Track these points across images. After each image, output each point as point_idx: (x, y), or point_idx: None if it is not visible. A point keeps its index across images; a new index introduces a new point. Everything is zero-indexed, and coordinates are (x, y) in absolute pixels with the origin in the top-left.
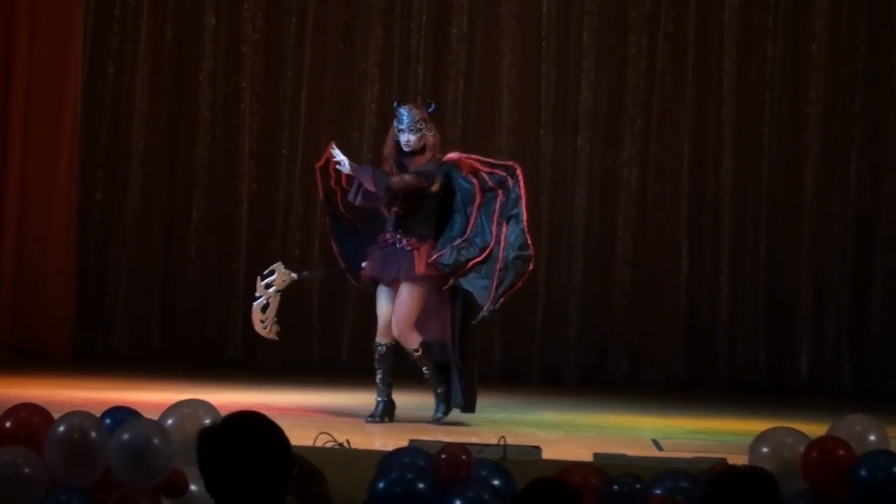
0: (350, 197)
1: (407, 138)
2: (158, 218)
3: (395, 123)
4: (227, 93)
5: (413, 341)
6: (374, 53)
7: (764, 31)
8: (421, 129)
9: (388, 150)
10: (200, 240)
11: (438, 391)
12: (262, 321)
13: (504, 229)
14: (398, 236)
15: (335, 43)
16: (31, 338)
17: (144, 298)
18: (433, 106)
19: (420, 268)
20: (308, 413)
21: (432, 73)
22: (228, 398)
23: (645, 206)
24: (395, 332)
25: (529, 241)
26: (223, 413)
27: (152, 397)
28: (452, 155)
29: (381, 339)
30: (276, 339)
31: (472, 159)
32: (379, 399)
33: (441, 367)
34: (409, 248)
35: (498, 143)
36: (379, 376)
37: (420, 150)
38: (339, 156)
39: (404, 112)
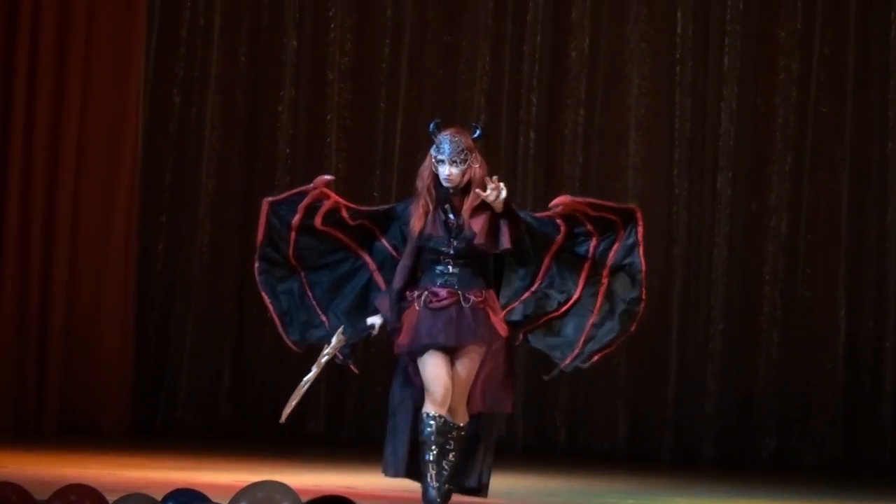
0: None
1: (448, 171)
2: (230, 271)
3: (432, 152)
4: (310, 126)
5: (465, 415)
6: (479, 80)
7: None
8: (466, 161)
9: (423, 182)
10: None
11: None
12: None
13: (606, 281)
14: (459, 292)
15: (435, 68)
16: (83, 409)
17: (213, 364)
18: (479, 131)
19: (503, 328)
20: (402, 497)
21: (547, 103)
22: (309, 479)
23: (796, 257)
24: (454, 405)
25: (644, 296)
26: (304, 498)
27: (221, 478)
28: (561, 199)
29: (437, 409)
30: (282, 421)
31: (584, 203)
32: (435, 485)
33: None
34: (481, 305)
35: (624, 183)
36: (433, 455)
37: (465, 187)
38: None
39: (445, 140)
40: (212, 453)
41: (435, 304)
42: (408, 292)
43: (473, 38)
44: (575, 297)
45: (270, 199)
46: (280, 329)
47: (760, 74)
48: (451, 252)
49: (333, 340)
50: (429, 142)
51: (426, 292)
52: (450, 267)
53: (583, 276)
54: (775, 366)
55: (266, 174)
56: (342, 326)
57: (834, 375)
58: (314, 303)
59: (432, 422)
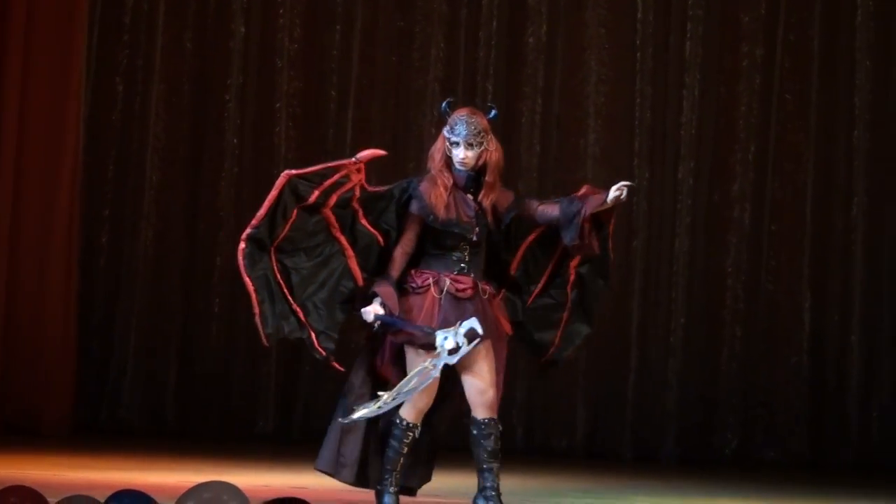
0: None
1: (463, 154)
2: (176, 265)
3: (445, 133)
4: (258, 115)
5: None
6: (434, 67)
7: None
8: (482, 143)
9: (435, 165)
10: (226, 291)
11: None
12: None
13: (574, 272)
14: (477, 282)
15: (388, 55)
16: (24, 407)
17: (158, 361)
18: (494, 111)
19: (507, 325)
20: (354, 498)
21: (504, 91)
22: (258, 479)
23: (759, 249)
24: (490, 402)
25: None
26: (253, 499)
27: (167, 479)
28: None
29: (417, 418)
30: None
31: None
32: (393, 490)
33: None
34: (493, 298)
35: (583, 173)
36: (399, 464)
37: (481, 170)
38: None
39: (460, 121)
40: (157, 453)
41: (460, 293)
42: (416, 277)
43: (427, 23)
44: (540, 286)
45: (292, 172)
46: (258, 320)
47: (723, 61)
48: (474, 239)
49: (457, 338)
50: (371, 135)
51: (447, 279)
52: (466, 254)
53: (550, 265)
54: (738, 361)
55: (213, 165)
56: (470, 322)
57: (798, 371)
58: (286, 291)
59: (410, 433)
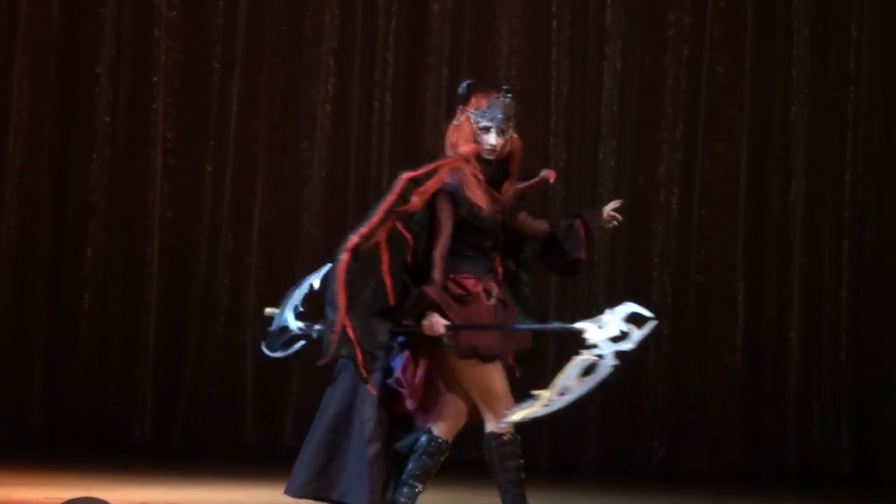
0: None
1: (495, 141)
2: (41, 256)
3: (475, 117)
4: (133, 91)
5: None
6: (328, 38)
7: (847, 5)
8: (509, 129)
9: (464, 153)
10: (97, 286)
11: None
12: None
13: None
14: (500, 286)
15: (277, 24)
16: None
17: (21, 363)
18: (510, 95)
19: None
20: None
21: (405, 64)
22: (134, 495)
23: (689, 237)
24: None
25: None
26: None
27: (31, 495)
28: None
29: (447, 436)
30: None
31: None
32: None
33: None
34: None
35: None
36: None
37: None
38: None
39: (495, 103)
40: (21, 466)
41: (499, 301)
42: (463, 282)
43: None
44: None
45: (409, 174)
46: (334, 337)
47: (648, 30)
48: (497, 236)
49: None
50: (258, 112)
51: (492, 284)
52: (490, 253)
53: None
54: (666, 360)
55: (83, 146)
56: (628, 307)
57: (732, 371)
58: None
59: (446, 452)
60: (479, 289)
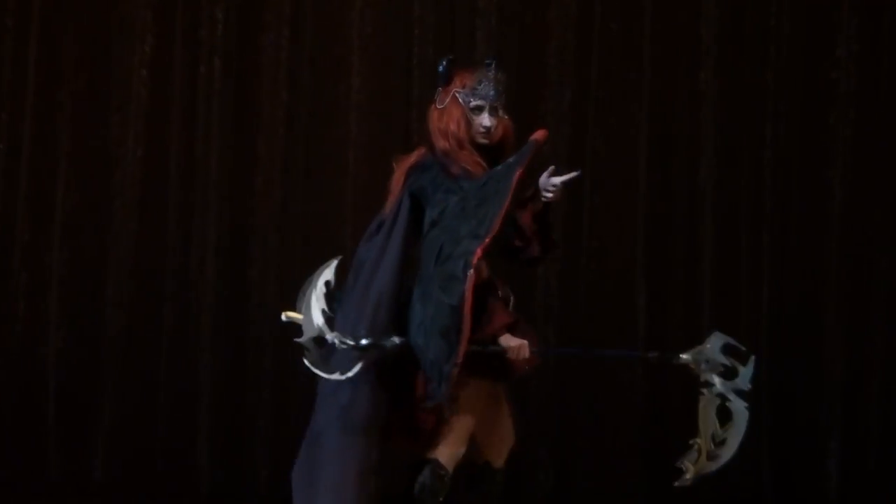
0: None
1: (489, 122)
2: None
3: (462, 97)
4: None
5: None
6: None
7: None
8: (500, 107)
9: (460, 138)
10: None
11: None
12: None
13: None
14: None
15: None
16: None
17: None
18: (498, 67)
19: None
20: None
21: (237, 21)
22: None
23: (579, 225)
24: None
25: None
26: None
27: None
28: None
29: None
30: None
31: None
32: None
33: None
34: None
35: (344, 128)
36: None
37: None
38: None
39: (486, 79)
40: None
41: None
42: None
43: None
44: None
45: (520, 171)
46: (459, 360)
47: None
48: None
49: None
50: (60, 79)
51: (504, 289)
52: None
53: None
54: (551, 374)
55: None
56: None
57: (632, 386)
58: None
59: (448, 484)
60: (508, 292)
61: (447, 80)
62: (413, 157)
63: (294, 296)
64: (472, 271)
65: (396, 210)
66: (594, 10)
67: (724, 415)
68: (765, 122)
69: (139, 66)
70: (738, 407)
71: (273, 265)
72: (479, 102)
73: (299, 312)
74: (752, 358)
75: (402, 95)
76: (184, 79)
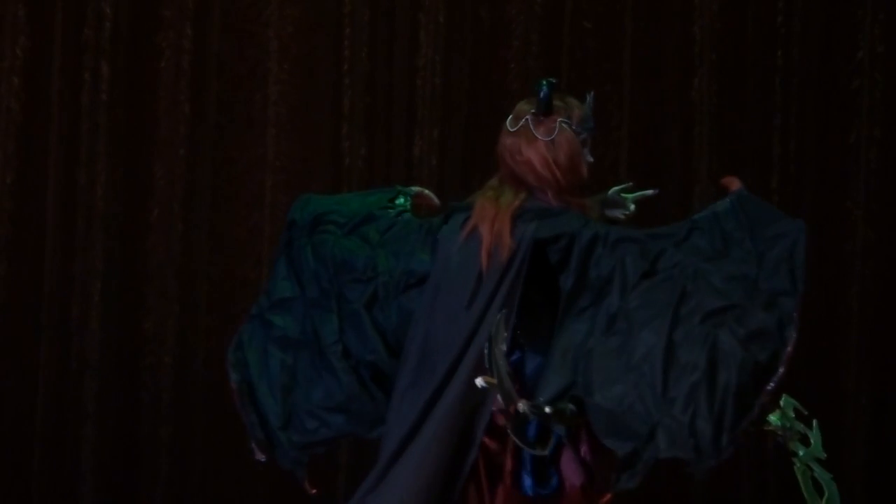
0: None
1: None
2: None
3: (579, 127)
4: None
5: None
6: None
7: None
8: None
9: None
10: None
11: None
12: None
13: None
14: None
15: None
16: None
17: None
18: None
19: None
20: None
21: (129, 18)
22: None
23: None
24: None
25: None
26: None
27: None
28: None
29: None
30: None
31: None
32: None
33: None
34: None
35: (260, 150)
36: None
37: None
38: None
39: (587, 106)
40: None
41: None
42: None
43: None
44: None
45: None
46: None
47: None
48: None
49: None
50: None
51: None
52: None
53: None
54: None
55: None
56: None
57: None
58: None
59: None
60: None
61: (549, 108)
62: (516, 202)
63: (197, 352)
64: (794, 334)
65: (508, 265)
66: (564, 3)
67: (816, 486)
68: (771, 142)
69: (9, 74)
70: (825, 478)
71: (172, 316)
72: (587, 136)
73: (492, 377)
74: (815, 422)
75: (331, 108)
76: (64, 88)
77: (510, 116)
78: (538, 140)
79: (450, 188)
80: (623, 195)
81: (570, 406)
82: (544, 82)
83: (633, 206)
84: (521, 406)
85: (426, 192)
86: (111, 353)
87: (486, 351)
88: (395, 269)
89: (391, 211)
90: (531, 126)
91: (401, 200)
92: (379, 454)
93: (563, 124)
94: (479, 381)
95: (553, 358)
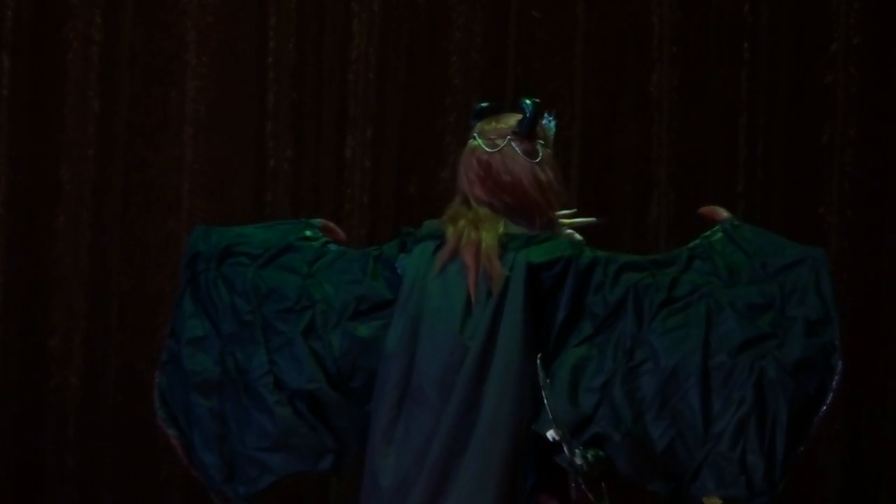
0: None
1: None
2: None
3: (548, 148)
4: None
5: None
6: None
7: None
8: None
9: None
10: None
11: None
12: None
13: None
14: None
15: None
16: None
17: None
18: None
19: None
20: None
21: (32, 6)
22: None
23: None
24: None
25: None
26: None
27: None
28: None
29: None
30: None
31: None
32: None
33: None
34: None
35: (177, 151)
36: None
37: None
38: None
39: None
40: None
41: None
42: None
43: None
44: None
45: None
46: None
47: None
48: None
49: None
50: None
51: None
52: None
53: None
54: None
55: None
56: None
57: None
58: None
59: None
60: None
61: (534, 127)
62: (500, 227)
63: (106, 373)
64: (840, 363)
65: (503, 293)
66: None
67: None
68: (737, 143)
69: None
70: None
71: (79, 333)
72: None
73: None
74: None
75: (255, 105)
76: None
77: (478, 135)
78: (527, 161)
79: (384, 192)
80: (561, 221)
81: (600, 452)
82: (529, 102)
83: (578, 236)
84: (577, 458)
85: (331, 224)
86: (12, 374)
87: (545, 402)
88: (334, 297)
89: (314, 243)
90: (514, 146)
91: (308, 233)
92: (374, 486)
93: (540, 144)
94: (550, 435)
95: (558, 390)
